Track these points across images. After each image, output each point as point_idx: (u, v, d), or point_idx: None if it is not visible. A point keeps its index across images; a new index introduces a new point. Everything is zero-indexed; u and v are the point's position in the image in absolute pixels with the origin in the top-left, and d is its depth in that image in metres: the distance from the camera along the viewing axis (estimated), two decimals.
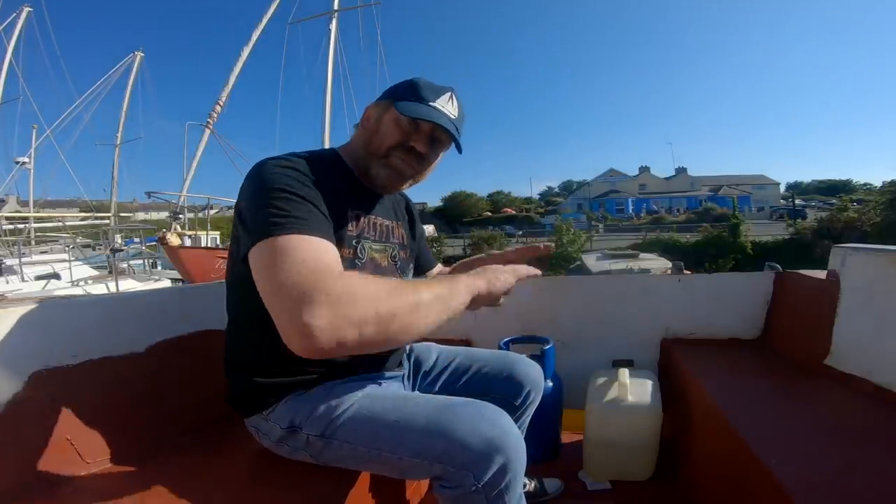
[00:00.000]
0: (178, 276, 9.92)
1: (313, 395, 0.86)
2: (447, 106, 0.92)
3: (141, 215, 27.84)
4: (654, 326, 1.75)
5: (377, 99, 0.96)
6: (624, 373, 1.43)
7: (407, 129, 0.91)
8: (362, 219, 0.94)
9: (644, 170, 53.32)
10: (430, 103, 0.90)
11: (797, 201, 39.10)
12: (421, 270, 1.24)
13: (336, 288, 0.64)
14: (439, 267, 1.30)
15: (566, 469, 1.51)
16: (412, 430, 0.78)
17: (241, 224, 0.80)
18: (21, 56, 17.09)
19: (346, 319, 0.62)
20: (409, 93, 0.90)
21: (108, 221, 16.63)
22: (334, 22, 13.97)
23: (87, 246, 14.48)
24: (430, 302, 0.71)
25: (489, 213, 47.97)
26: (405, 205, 1.16)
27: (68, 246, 11.84)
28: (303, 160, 0.84)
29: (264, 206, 0.74)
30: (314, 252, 0.69)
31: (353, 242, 0.91)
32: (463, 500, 0.77)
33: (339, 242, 0.86)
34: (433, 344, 1.24)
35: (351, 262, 0.90)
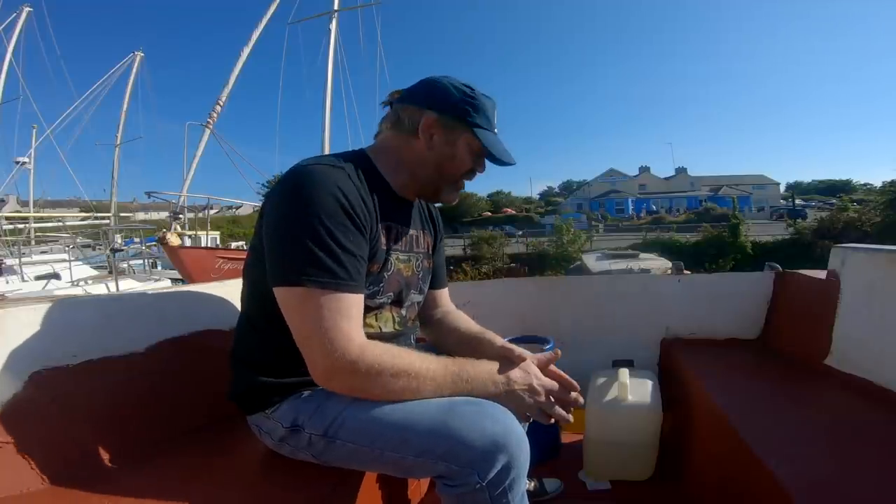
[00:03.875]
0: (178, 276, 9.91)
1: (317, 395, 0.86)
2: (496, 122, 0.96)
3: (141, 215, 27.83)
4: (654, 326, 1.75)
5: (434, 107, 0.91)
6: (624, 373, 1.43)
7: (476, 153, 0.94)
8: (393, 230, 0.94)
9: (644, 170, 53.39)
10: (495, 129, 0.95)
11: (797, 201, 39.15)
12: (431, 286, 1.13)
13: (360, 364, 0.76)
14: (446, 291, 1.19)
15: (566, 469, 1.51)
16: (415, 429, 0.78)
17: (270, 236, 0.81)
18: (21, 56, 17.09)
19: (360, 390, 0.80)
20: (480, 117, 0.92)
21: (108, 221, 16.61)
22: (334, 22, 13.94)
23: (87, 246, 14.48)
24: (430, 393, 0.81)
25: (489, 213, 47.99)
26: (431, 214, 1.13)
27: (68, 246, 11.84)
28: (344, 174, 0.83)
29: (304, 238, 0.76)
30: (338, 312, 0.76)
31: (384, 256, 0.91)
32: (467, 499, 0.77)
33: (372, 258, 0.87)
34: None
35: (378, 276, 0.90)
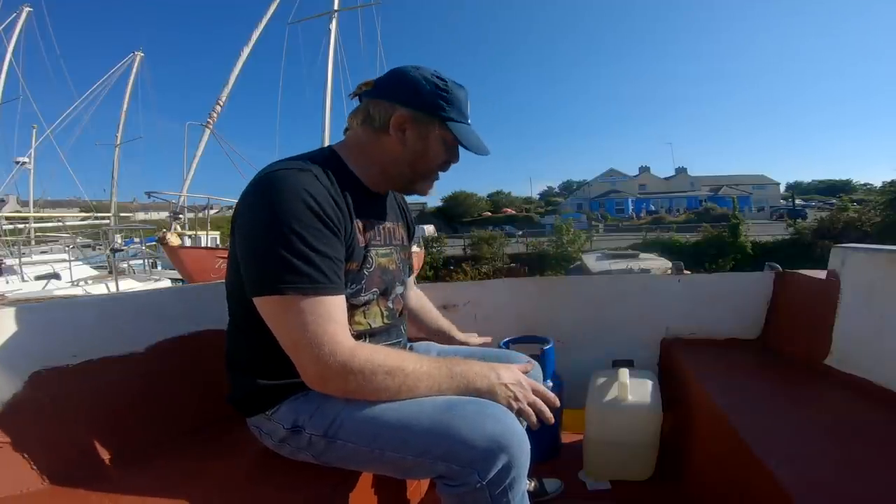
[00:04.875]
0: (178, 276, 9.90)
1: (316, 396, 0.85)
2: (469, 112, 0.94)
3: (141, 215, 27.77)
4: (654, 326, 1.75)
5: (405, 103, 0.89)
6: (624, 373, 1.43)
7: (450, 145, 0.93)
8: (369, 226, 0.93)
9: (644, 170, 53.41)
10: (468, 120, 0.93)
11: (797, 201, 39.18)
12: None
13: (353, 364, 0.76)
14: (412, 284, 1.29)
15: (566, 469, 1.51)
16: (415, 429, 0.78)
17: (243, 247, 0.80)
18: (21, 56, 17.05)
19: (355, 391, 0.79)
20: (453, 109, 0.90)
21: (108, 221, 16.57)
22: (334, 22, 13.93)
23: (87, 246, 14.45)
24: (426, 391, 0.81)
25: (489, 213, 47.99)
26: (400, 203, 1.13)
27: (68, 246, 11.82)
28: (314, 175, 0.81)
29: (277, 246, 0.75)
30: (320, 316, 0.76)
31: (363, 253, 0.90)
32: (467, 499, 0.77)
33: (350, 257, 0.86)
34: (433, 343, 1.24)
35: (357, 274, 0.89)
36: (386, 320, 0.98)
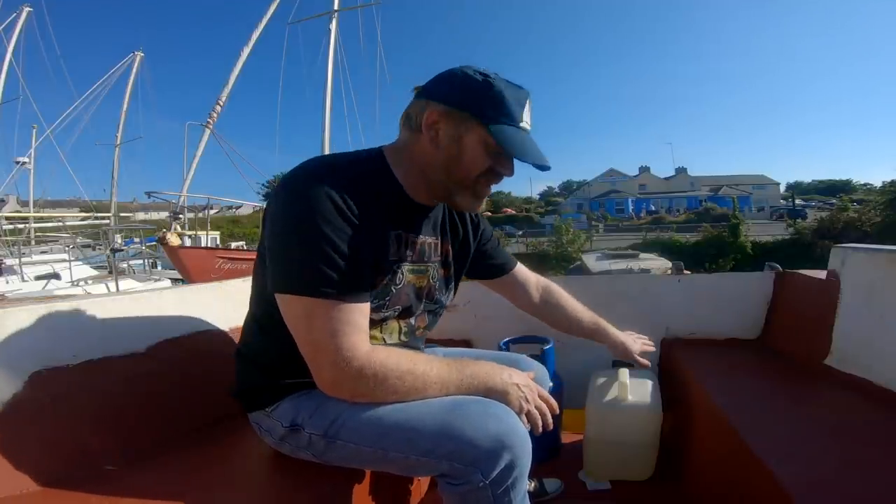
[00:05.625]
0: (178, 276, 9.91)
1: (317, 394, 0.84)
2: (527, 118, 0.83)
3: (141, 215, 27.79)
4: (654, 326, 1.75)
5: (438, 99, 0.82)
6: (624, 373, 1.43)
7: (494, 151, 0.82)
8: (404, 240, 0.88)
9: (644, 170, 53.47)
10: (520, 123, 0.82)
11: (797, 201, 39.24)
12: (500, 271, 1.21)
13: (367, 370, 0.76)
14: (521, 267, 1.25)
15: (566, 469, 1.51)
16: (419, 429, 0.77)
17: (271, 244, 0.80)
18: (21, 56, 17.07)
19: (365, 394, 0.79)
20: (497, 109, 0.80)
21: (108, 221, 16.59)
22: (334, 22, 13.93)
23: (87, 246, 14.47)
24: (436, 392, 0.81)
25: (489, 213, 47.33)
26: (454, 218, 1.04)
27: (68, 246, 11.83)
28: (351, 178, 0.79)
29: (303, 247, 0.74)
30: (345, 323, 0.75)
31: (394, 268, 0.86)
32: (469, 497, 0.77)
33: (378, 270, 0.83)
34: (436, 346, 1.24)
35: (383, 290, 0.86)
36: (403, 338, 0.95)
